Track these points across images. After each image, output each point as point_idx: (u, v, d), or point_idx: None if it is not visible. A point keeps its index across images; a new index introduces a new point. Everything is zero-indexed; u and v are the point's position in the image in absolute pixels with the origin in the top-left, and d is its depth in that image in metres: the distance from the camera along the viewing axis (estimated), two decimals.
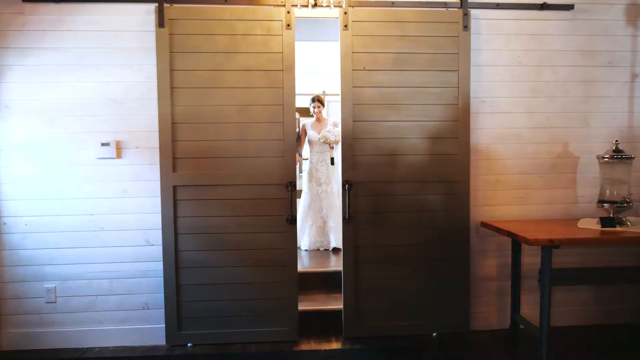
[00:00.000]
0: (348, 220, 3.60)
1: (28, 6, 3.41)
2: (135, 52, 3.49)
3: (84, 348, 3.56)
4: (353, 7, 3.54)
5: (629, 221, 3.35)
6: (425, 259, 3.66)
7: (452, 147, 3.65)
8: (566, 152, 3.82)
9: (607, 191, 3.38)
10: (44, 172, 3.50)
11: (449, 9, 3.60)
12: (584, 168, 3.81)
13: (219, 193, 3.52)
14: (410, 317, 3.68)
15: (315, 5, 3.42)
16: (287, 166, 3.54)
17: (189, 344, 3.55)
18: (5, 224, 3.49)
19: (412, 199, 3.65)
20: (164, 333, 3.57)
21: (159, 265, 3.55)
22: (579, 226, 3.37)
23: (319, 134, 5.51)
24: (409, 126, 3.63)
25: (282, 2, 3.48)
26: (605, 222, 3.29)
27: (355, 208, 3.62)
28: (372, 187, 3.62)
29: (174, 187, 3.49)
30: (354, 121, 3.59)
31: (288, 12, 3.47)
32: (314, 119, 5.65)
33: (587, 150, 3.79)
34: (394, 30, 3.56)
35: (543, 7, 3.66)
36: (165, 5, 3.42)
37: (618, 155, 3.34)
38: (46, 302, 3.55)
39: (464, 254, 3.68)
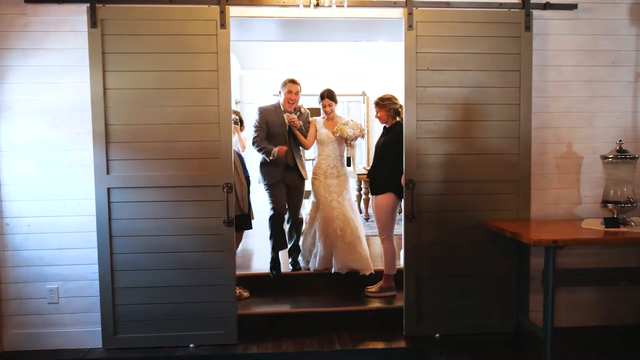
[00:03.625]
0: (411, 219, 3.61)
1: (30, 7, 3.41)
2: None
3: (86, 349, 3.56)
4: (417, 7, 3.55)
5: (633, 222, 3.32)
6: (484, 257, 3.68)
7: (513, 147, 3.66)
8: (570, 152, 3.80)
9: (611, 191, 3.36)
10: (47, 172, 3.51)
11: (511, 10, 3.61)
12: (588, 168, 3.79)
13: (154, 195, 3.49)
14: (468, 316, 3.70)
15: (317, 5, 3.42)
16: (224, 167, 3.51)
17: (190, 345, 3.55)
18: (7, 224, 3.50)
19: (474, 198, 3.66)
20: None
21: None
22: (582, 227, 3.35)
23: (332, 132, 4.50)
24: (471, 126, 3.64)
25: (216, 1, 3.46)
26: (609, 222, 3.27)
27: (418, 207, 3.62)
28: (435, 187, 3.63)
29: (108, 189, 3.46)
30: (417, 120, 3.59)
31: (222, 12, 3.45)
32: (324, 117, 4.64)
33: (591, 150, 3.77)
34: (457, 31, 3.58)
35: (546, 6, 3.64)
36: (98, 5, 3.39)
37: (622, 155, 3.32)
38: (49, 303, 3.55)
39: (524, 254, 3.67)
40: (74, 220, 3.53)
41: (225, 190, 3.49)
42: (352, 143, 4.44)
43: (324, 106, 4.55)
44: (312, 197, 4.56)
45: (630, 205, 3.31)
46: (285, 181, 4.45)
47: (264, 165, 4.46)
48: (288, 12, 3.54)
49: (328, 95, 4.52)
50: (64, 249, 3.54)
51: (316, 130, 4.53)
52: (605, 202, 3.39)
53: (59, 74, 3.47)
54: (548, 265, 3.06)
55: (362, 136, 4.44)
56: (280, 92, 4.48)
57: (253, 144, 4.45)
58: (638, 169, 3.66)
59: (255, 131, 4.46)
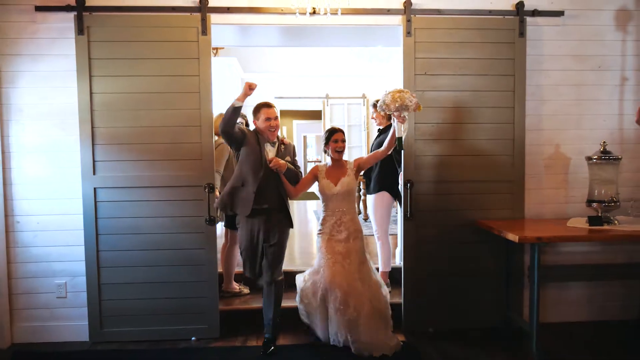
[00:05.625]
0: (409, 218, 3.75)
1: (40, 15, 3.57)
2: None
3: (91, 341, 3.71)
4: (416, 15, 3.70)
5: (617, 220, 3.46)
6: (478, 255, 3.82)
7: (507, 148, 3.81)
8: (558, 153, 3.93)
9: (596, 191, 3.49)
10: (55, 172, 3.67)
11: (506, 17, 3.75)
12: (576, 169, 3.92)
13: (139, 194, 3.64)
14: (462, 312, 3.83)
15: (313, 13, 3.56)
16: (205, 168, 3.64)
17: (192, 338, 3.70)
18: (18, 222, 3.66)
19: (469, 198, 3.81)
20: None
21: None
22: (567, 225, 3.49)
23: (336, 184, 3.50)
24: (467, 128, 3.79)
25: (197, 7, 3.60)
26: (593, 220, 3.41)
27: (416, 206, 3.77)
28: (432, 187, 3.77)
29: (95, 189, 3.61)
30: (415, 123, 3.73)
31: (203, 19, 3.59)
32: (328, 160, 3.64)
33: (578, 152, 3.90)
34: (454, 37, 3.73)
35: (534, 13, 3.78)
36: (84, 13, 3.54)
37: (605, 157, 3.46)
38: (57, 297, 3.71)
39: (513, 251, 3.81)
40: (81, 218, 3.66)
41: (206, 190, 3.62)
42: (405, 116, 3.43)
43: (335, 141, 3.53)
44: (317, 256, 3.64)
45: (614, 204, 3.44)
46: (262, 231, 3.47)
47: (232, 198, 3.48)
48: (286, 20, 3.69)
49: (340, 130, 3.61)
50: (71, 246, 3.70)
51: (314, 179, 3.62)
52: (590, 201, 3.53)
53: (66, 78, 3.63)
54: (533, 261, 3.20)
55: (420, 108, 3.45)
56: (255, 121, 3.56)
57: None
58: (624, 170, 3.81)
59: None
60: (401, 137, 3.46)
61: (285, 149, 3.61)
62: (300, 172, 3.65)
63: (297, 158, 3.75)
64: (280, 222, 3.53)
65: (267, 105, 3.53)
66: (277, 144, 3.58)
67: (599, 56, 3.90)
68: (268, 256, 3.50)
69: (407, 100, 3.34)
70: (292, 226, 3.60)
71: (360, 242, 3.55)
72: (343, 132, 3.59)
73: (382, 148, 3.56)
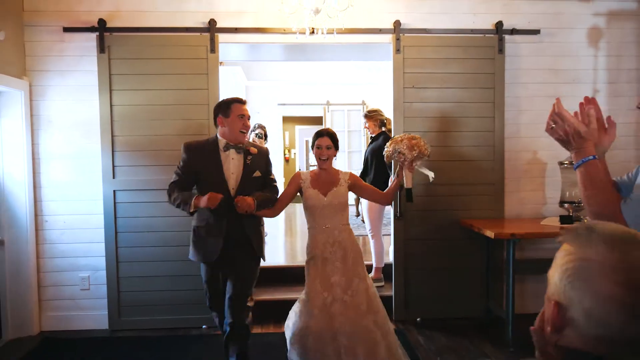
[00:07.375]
0: (399, 218, 4.15)
1: (67, 35, 3.98)
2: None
3: (110, 329, 4.09)
4: (404, 34, 4.10)
5: (587, 219, 3.82)
6: (462, 251, 4.19)
7: (488, 154, 4.19)
8: (535, 158, 4.31)
9: (567, 193, 3.87)
10: (79, 176, 4.06)
11: (486, 35, 4.15)
12: (552, 173, 4.29)
13: (153, 196, 3.98)
14: (447, 303, 4.19)
15: (312, 32, 3.95)
16: None
17: (203, 326, 4.08)
18: (46, 221, 4.05)
19: (454, 199, 4.19)
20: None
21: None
22: (541, 223, 3.86)
23: (325, 195, 2.99)
24: (452, 136, 4.19)
25: (207, 28, 3.98)
26: (564, 219, 3.78)
27: (405, 207, 4.14)
28: (420, 189, 4.09)
29: (114, 191, 4.00)
30: (404, 131, 4.06)
31: (212, 39, 3.99)
32: (313, 167, 3.15)
33: (554, 157, 4.23)
34: (439, 53, 4.12)
35: (513, 32, 4.16)
36: (106, 34, 3.93)
37: None
38: (81, 290, 4.10)
39: (492, 247, 4.18)
40: (102, 218, 4.04)
41: None
42: (418, 164, 3.10)
43: (319, 147, 3.01)
44: (303, 293, 3.06)
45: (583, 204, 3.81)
46: (224, 265, 3.02)
47: (194, 241, 3.12)
48: (289, 39, 4.08)
49: (327, 133, 3.05)
50: (93, 243, 4.08)
51: (297, 190, 3.07)
52: (562, 202, 3.90)
53: (89, 92, 4.02)
54: (509, 255, 3.58)
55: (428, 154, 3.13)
56: (220, 119, 2.97)
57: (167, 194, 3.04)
58: None
59: (174, 175, 3.04)
60: (410, 189, 3.10)
61: (253, 161, 2.99)
62: (276, 192, 3.10)
63: (271, 169, 3.18)
64: (248, 254, 3.04)
65: (240, 101, 3.00)
66: (243, 152, 2.97)
67: (572, 70, 4.28)
68: (230, 292, 2.98)
69: (424, 148, 3.01)
70: (261, 256, 3.11)
71: (362, 266, 3.03)
72: (330, 137, 3.03)
73: (384, 195, 3.24)
